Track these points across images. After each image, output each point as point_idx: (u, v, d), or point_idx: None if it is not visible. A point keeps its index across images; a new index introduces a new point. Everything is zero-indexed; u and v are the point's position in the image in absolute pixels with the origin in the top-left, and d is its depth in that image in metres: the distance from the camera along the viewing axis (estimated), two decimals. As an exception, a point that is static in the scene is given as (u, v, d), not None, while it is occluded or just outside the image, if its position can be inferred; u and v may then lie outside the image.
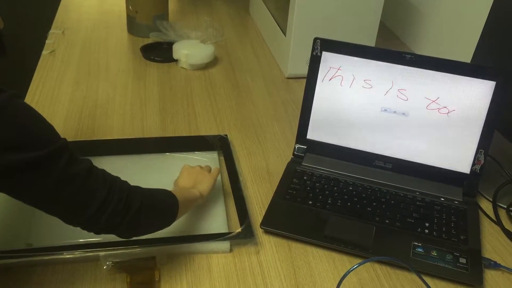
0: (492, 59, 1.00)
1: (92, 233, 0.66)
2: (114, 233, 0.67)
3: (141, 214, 0.67)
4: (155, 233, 0.81)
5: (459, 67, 0.88)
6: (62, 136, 0.62)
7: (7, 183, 0.57)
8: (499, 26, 0.98)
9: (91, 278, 0.75)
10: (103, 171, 0.66)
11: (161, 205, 0.73)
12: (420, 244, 0.82)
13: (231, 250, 0.81)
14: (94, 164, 0.64)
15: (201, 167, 0.90)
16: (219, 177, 0.95)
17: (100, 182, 0.63)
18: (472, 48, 1.04)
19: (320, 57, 0.94)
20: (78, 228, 0.65)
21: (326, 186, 0.93)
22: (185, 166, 0.90)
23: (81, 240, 0.78)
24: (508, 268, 0.82)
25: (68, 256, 0.75)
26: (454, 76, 0.89)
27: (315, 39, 0.94)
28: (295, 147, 1.00)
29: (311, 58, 0.95)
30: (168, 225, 0.74)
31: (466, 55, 1.07)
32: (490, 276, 0.81)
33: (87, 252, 0.76)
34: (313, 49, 0.94)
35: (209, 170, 0.91)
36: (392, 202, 0.90)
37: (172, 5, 1.65)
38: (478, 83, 0.88)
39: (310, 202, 0.89)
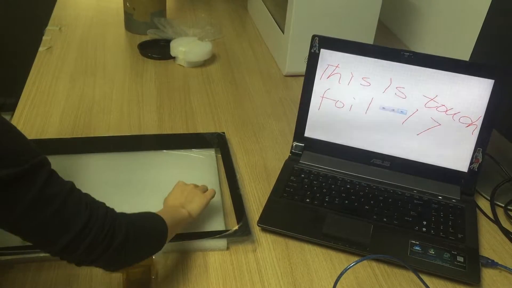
0: (491, 57, 0.99)
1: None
2: (95, 265, 0.62)
3: (125, 247, 0.62)
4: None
5: (457, 65, 0.88)
6: (41, 154, 0.56)
7: None
8: (498, 24, 0.97)
9: (87, 275, 0.75)
10: (87, 195, 0.61)
11: (149, 234, 0.68)
12: (417, 243, 0.82)
13: (228, 248, 0.81)
14: (76, 186, 0.59)
15: (196, 185, 0.84)
16: (215, 177, 0.94)
17: (81, 207, 0.58)
18: (471, 47, 1.04)
19: (318, 54, 0.94)
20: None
21: (323, 184, 0.92)
22: (179, 183, 0.84)
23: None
24: (505, 267, 0.81)
25: (64, 253, 0.75)
26: (452, 74, 0.88)
27: (314, 36, 0.93)
28: (292, 145, 1.00)
29: (309, 55, 0.95)
30: (156, 252, 0.70)
31: (464, 54, 1.07)
32: (488, 275, 0.80)
33: (83, 249, 0.75)
34: (311, 46, 0.94)
35: (205, 189, 0.85)
36: (390, 200, 0.90)
37: (169, 2, 1.64)
38: (477, 81, 0.88)
39: (308, 200, 0.89)
